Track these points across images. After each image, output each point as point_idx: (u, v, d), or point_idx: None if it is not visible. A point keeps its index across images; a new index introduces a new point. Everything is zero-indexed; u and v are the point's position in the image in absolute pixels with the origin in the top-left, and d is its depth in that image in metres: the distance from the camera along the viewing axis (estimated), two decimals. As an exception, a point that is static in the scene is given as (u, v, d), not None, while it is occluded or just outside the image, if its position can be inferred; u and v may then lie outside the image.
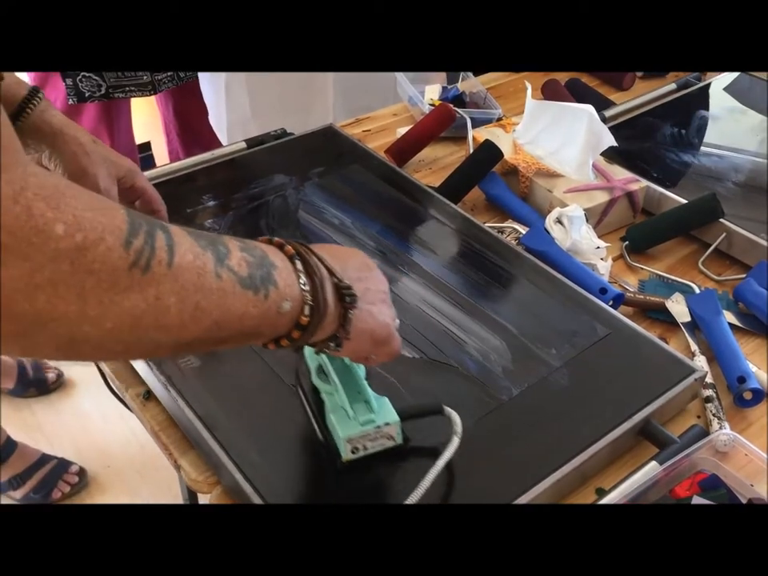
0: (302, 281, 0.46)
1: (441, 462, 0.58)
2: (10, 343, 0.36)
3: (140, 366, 0.69)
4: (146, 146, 2.19)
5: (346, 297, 0.49)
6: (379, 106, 1.22)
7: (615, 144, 0.95)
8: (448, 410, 0.62)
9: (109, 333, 0.37)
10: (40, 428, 1.69)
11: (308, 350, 0.65)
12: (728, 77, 1.21)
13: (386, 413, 0.60)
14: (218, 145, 1.37)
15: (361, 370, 0.63)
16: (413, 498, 0.55)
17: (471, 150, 1.00)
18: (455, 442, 0.59)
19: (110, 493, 1.57)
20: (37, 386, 1.73)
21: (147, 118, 1.94)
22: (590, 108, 0.96)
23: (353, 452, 0.59)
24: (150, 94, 1.43)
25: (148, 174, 0.95)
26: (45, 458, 1.56)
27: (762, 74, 1.19)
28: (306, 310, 0.46)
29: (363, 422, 0.59)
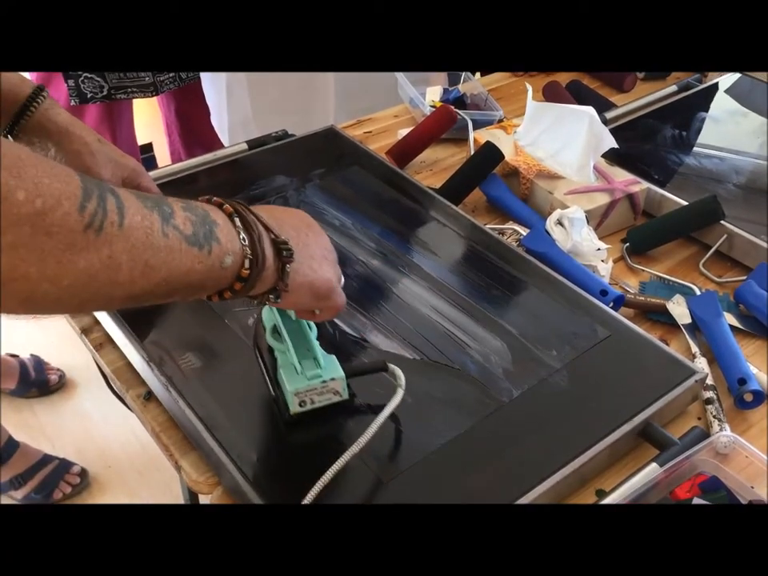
0: (241, 236, 0.49)
1: (386, 411, 0.61)
2: None
3: (141, 367, 0.69)
4: (148, 147, 2.19)
5: (283, 251, 0.52)
6: (380, 108, 1.23)
7: (616, 146, 0.95)
8: (392, 366, 0.65)
9: (66, 290, 0.40)
10: (41, 428, 1.70)
11: (265, 312, 0.69)
12: (729, 79, 1.21)
13: (332, 369, 0.63)
14: (220, 146, 1.38)
15: (313, 331, 0.66)
16: (357, 446, 0.58)
17: (472, 152, 1.00)
18: (399, 394, 0.62)
19: (111, 493, 1.57)
20: (38, 386, 1.73)
21: (149, 119, 1.94)
22: (590, 110, 0.96)
23: (300, 405, 0.62)
24: (152, 95, 1.43)
25: (149, 174, 0.95)
26: (46, 459, 1.56)
27: (763, 76, 1.19)
28: (246, 264, 0.49)
29: (310, 376, 0.62)
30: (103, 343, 0.75)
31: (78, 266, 0.40)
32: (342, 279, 0.60)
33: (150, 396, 0.69)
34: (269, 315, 0.68)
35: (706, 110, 1.15)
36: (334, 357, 0.64)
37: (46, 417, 1.72)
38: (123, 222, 0.42)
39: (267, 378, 0.65)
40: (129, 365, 0.72)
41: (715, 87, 1.20)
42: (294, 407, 0.62)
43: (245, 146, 1.01)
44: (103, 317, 0.74)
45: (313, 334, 0.66)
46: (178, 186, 0.93)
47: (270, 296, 0.53)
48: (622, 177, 0.96)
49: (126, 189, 0.44)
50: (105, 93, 1.36)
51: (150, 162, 2.13)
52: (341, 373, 0.63)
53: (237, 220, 0.50)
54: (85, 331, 0.76)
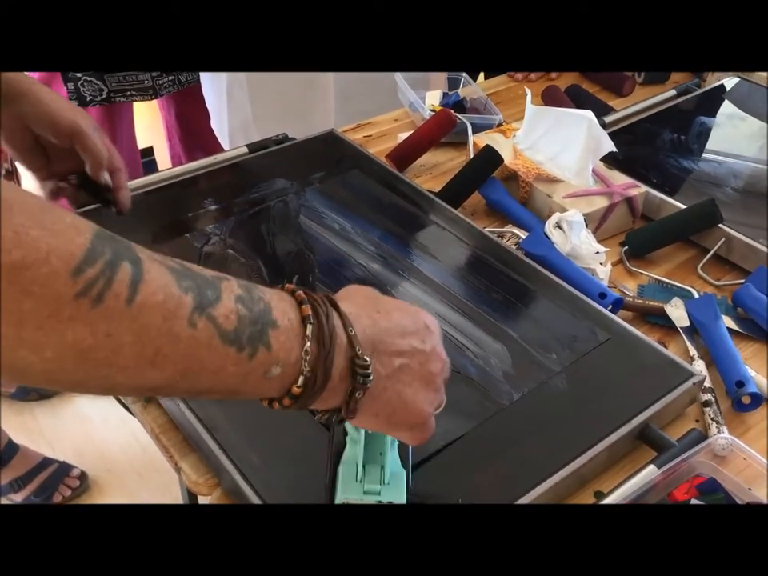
0: (306, 347, 0.41)
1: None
2: None
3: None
4: (149, 151, 2.20)
5: (359, 374, 0.43)
6: (380, 112, 1.23)
7: (615, 150, 0.96)
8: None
9: (52, 362, 0.35)
10: (41, 431, 1.70)
11: None
12: (728, 83, 1.21)
13: (395, 491, 0.54)
14: (220, 149, 1.38)
15: (392, 439, 0.57)
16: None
17: (471, 156, 1.00)
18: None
19: (111, 496, 1.58)
20: (38, 390, 1.74)
21: (150, 123, 1.94)
22: (589, 114, 0.97)
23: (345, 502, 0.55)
24: (152, 98, 1.44)
25: (150, 178, 0.95)
26: (46, 462, 1.56)
27: (762, 81, 1.20)
28: (300, 381, 0.41)
29: (368, 490, 0.54)
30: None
31: (64, 337, 0.34)
32: (443, 403, 0.52)
33: (149, 398, 0.70)
34: None
35: (705, 114, 1.15)
36: (404, 475, 0.56)
37: (45, 420, 1.73)
38: (134, 298, 0.36)
39: (328, 461, 0.57)
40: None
41: (714, 91, 1.21)
42: (338, 501, 0.54)
43: (245, 150, 1.02)
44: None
45: (391, 441, 0.56)
46: (179, 190, 0.93)
47: (333, 417, 0.46)
48: (620, 180, 0.96)
49: (175, 261, 0.39)
50: (104, 96, 1.36)
51: (150, 166, 2.13)
52: (403, 499, 0.54)
53: (309, 326, 0.41)
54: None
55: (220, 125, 1.46)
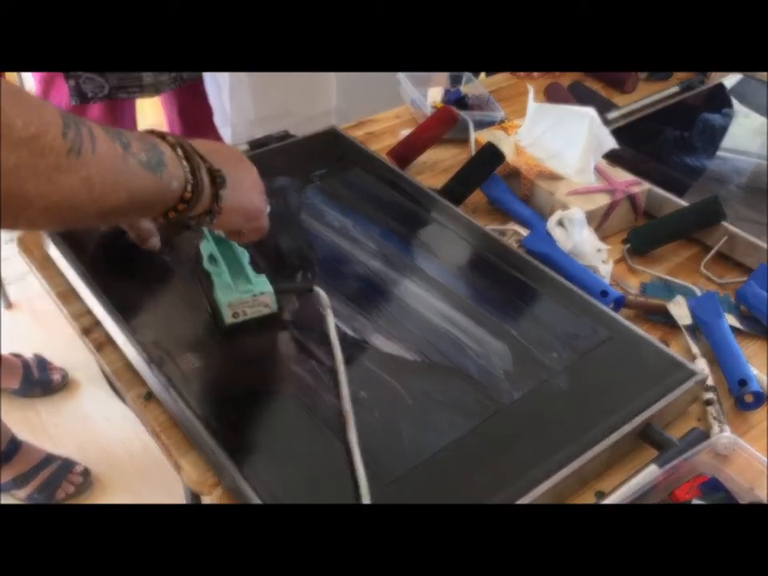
0: (183, 164, 0.58)
1: (333, 336, 0.70)
2: None
3: (140, 367, 0.70)
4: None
5: (216, 178, 0.60)
6: (383, 109, 1.23)
7: (617, 147, 0.95)
8: (317, 288, 0.73)
9: (54, 205, 0.47)
10: (45, 428, 1.70)
11: (202, 243, 0.77)
12: (731, 79, 1.21)
13: (262, 285, 0.72)
14: (222, 146, 1.37)
15: (245, 257, 0.75)
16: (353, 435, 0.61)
17: (473, 153, 1.00)
18: (329, 315, 0.71)
19: (113, 493, 1.58)
20: (41, 386, 1.74)
21: (152, 120, 1.94)
22: (591, 111, 0.96)
23: (234, 316, 0.71)
24: (154, 95, 1.43)
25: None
26: (50, 458, 1.57)
27: (765, 78, 1.19)
28: (189, 187, 0.58)
29: (242, 291, 0.71)
30: (103, 344, 0.75)
31: (63, 184, 0.47)
32: (269, 207, 0.71)
33: (150, 396, 0.70)
34: (206, 246, 0.76)
35: (708, 110, 1.15)
36: (264, 276, 0.73)
37: (49, 416, 1.73)
38: (95, 149, 0.48)
39: (205, 296, 0.73)
40: (129, 365, 0.72)
41: (717, 88, 1.20)
42: (228, 318, 0.71)
43: (246, 147, 1.01)
44: (104, 317, 0.74)
45: (245, 259, 0.75)
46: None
47: (207, 217, 0.62)
48: (623, 177, 0.96)
49: (89, 121, 0.50)
50: (106, 92, 1.36)
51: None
52: (270, 288, 0.72)
53: (179, 150, 0.58)
54: (85, 331, 0.76)
55: (222, 121, 1.45)
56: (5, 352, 1.74)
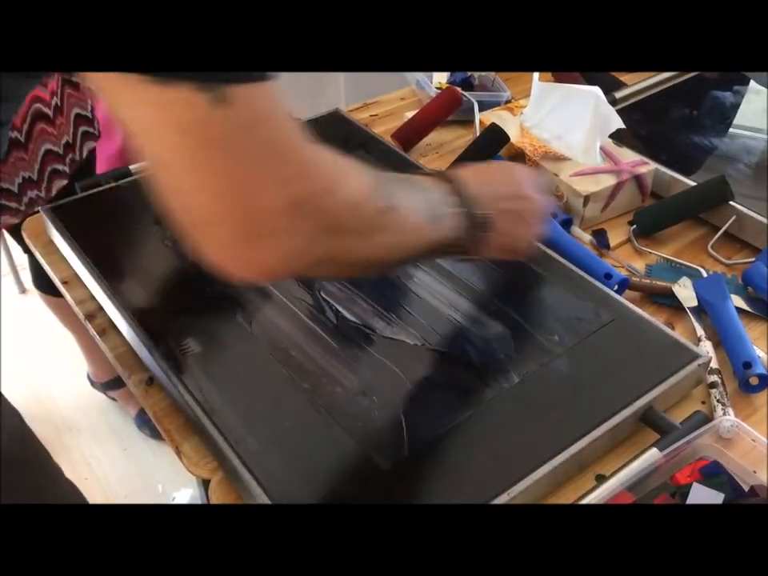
0: (458, 217, 0.58)
1: None
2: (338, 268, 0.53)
3: (142, 352, 0.70)
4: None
5: (481, 225, 0.60)
6: (388, 90, 1.22)
7: (623, 126, 0.94)
8: None
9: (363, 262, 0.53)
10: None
11: None
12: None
13: None
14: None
15: None
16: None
17: (478, 134, 0.99)
18: None
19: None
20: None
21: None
22: (597, 90, 0.95)
23: None
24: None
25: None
26: None
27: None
28: (453, 240, 0.58)
29: None
30: (106, 329, 0.75)
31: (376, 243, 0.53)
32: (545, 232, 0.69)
33: (151, 381, 0.70)
34: None
35: (719, 88, 1.13)
36: None
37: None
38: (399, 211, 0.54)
39: None
40: (131, 350, 0.72)
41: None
42: None
43: (249, 131, 1.01)
44: (106, 303, 0.74)
45: None
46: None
47: (463, 256, 0.62)
48: (629, 158, 0.94)
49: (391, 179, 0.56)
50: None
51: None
52: None
53: (456, 198, 0.58)
54: (88, 317, 0.77)
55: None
56: (18, 338, 1.74)
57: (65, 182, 1.12)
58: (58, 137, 1.09)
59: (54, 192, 1.11)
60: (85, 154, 1.14)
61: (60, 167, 1.11)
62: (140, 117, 0.41)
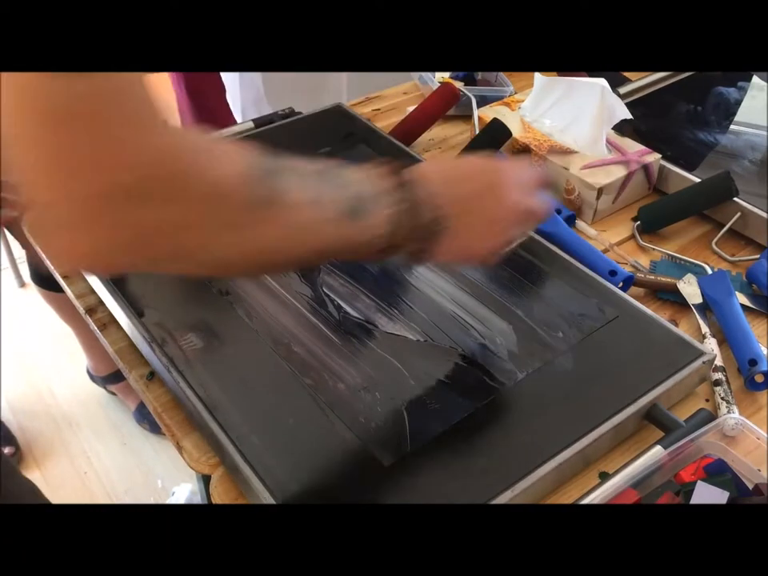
0: (394, 209, 0.53)
1: None
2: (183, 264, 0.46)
3: (143, 347, 0.69)
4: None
5: (426, 227, 0.54)
6: (391, 84, 1.21)
7: (630, 116, 0.93)
8: None
9: (224, 260, 0.46)
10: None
11: None
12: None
13: None
14: (234, 124, 1.37)
15: None
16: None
17: (477, 131, 0.98)
18: None
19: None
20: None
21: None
22: (602, 81, 0.94)
23: None
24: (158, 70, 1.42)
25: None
26: None
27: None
28: (387, 241, 0.53)
29: None
30: (107, 324, 0.75)
31: (236, 240, 0.47)
32: (512, 241, 0.62)
33: (152, 376, 0.70)
34: None
35: (723, 84, 1.12)
36: None
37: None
38: (284, 202, 0.47)
39: None
40: (132, 345, 0.72)
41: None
42: None
43: (251, 125, 1.00)
44: (107, 297, 0.74)
45: None
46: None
47: (409, 259, 0.57)
48: (634, 148, 0.94)
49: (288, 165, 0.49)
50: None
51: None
52: None
53: (397, 195, 0.53)
54: (89, 311, 0.76)
55: (233, 100, 1.45)
56: (19, 331, 1.74)
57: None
58: None
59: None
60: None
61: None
62: None
